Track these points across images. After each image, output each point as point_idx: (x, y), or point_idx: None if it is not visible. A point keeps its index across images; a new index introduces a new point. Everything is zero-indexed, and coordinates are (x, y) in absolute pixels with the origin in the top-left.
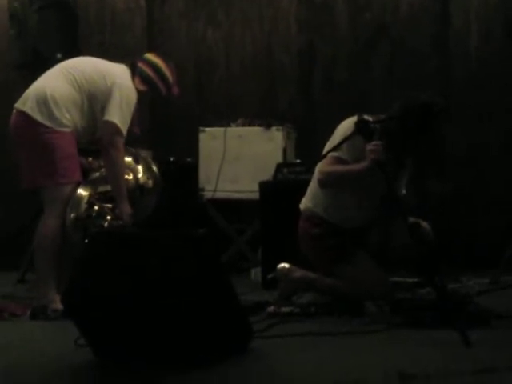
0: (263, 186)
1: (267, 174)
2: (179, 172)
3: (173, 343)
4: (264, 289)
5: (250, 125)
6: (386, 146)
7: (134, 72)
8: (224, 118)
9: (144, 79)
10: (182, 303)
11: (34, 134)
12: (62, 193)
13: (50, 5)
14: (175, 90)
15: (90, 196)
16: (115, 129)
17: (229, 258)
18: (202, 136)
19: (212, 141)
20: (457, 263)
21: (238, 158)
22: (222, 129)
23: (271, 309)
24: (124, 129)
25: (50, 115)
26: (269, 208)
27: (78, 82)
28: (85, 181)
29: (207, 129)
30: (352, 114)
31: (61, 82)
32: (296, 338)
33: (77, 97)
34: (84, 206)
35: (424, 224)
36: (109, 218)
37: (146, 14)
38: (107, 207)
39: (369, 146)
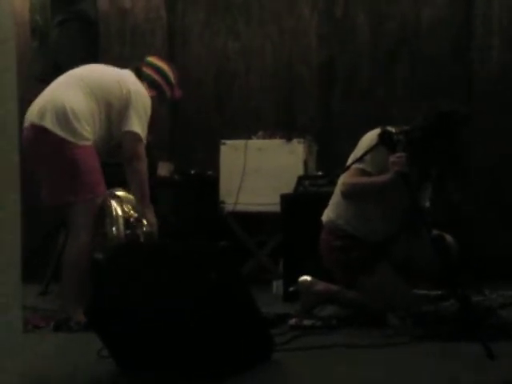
0: (284, 198)
1: (288, 187)
2: (200, 185)
3: (194, 355)
4: (285, 301)
5: (270, 137)
6: (409, 158)
7: (141, 77)
8: (245, 131)
9: (151, 84)
10: (202, 315)
11: (56, 150)
12: (90, 208)
13: (72, 18)
14: (178, 93)
15: (123, 213)
16: (138, 138)
17: (250, 271)
18: (222, 149)
19: (233, 153)
20: (480, 276)
21: (259, 171)
22: (243, 141)
23: (293, 321)
24: (144, 137)
25: (72, 130)
26: (290, 221)
27: (95, 91)
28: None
29: (228, 141)
30: (373, 127)
31: (78, 94)
32: (318, 351)
33: (94, 107)
34: (121, 220)
35: (448, 237)
36: (144, 229)
37: (166, 26)
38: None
39: (392, 158)
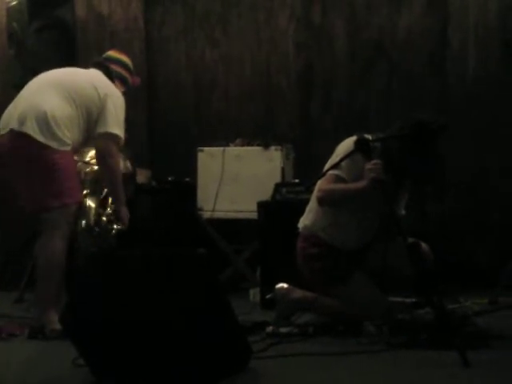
0: (262, 205)
1: (266, 194)
2: (178, 191)
3: (170, 363)
4: (263, 309)
5: (248, 145)
6: (385, 166)
7: (112, 76)
8: (222, 138)
9: (122, 81)
10: (179, 323)
11: (37, 156)
12: (68, 213)
13: (49, 25)
14: (136, 80)
15: (97, 207)
16: (117, 139)
17: (227, 278)
18: (200, 156)
19: (210, 161)
20: (455, 283)
21: (237, 178)
22: (221, 149)
23: (270, 329)
24: (122, 133)
25: (53, 136)
26: (267, 228)
27: (74, 97)
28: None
29: (206, 148)
30: (350, 134)
31: (58, 100)
32: (294, 359)
33: (74, 114)
34: (93, 217)
35: (423, 245)
36: (115, 226)
37: (144, 35)
38: (110, 213)
39: (368, 165)
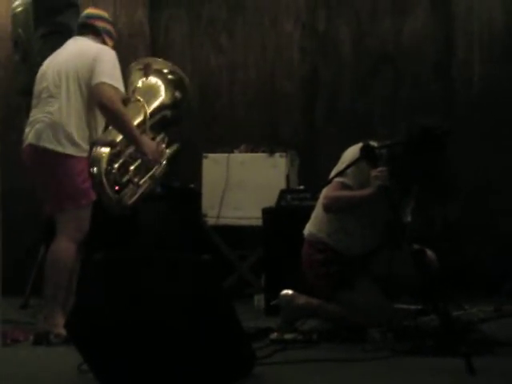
0: (266, 212)
1: (270, 201)
2: (182, 198)
3: (175, 369)
4: (267, 315)
5: (253, 151)
6: (391, 172)
7: (100, 33)
8: (227, 145)
9: (110, 36)
10: (184, 329)
11: (55, 164)
12: (82, 214)
13: (54, 31)
14: (116, 33)
15: (109, 154)
16: (108, 87)
17: (232, 285)
18: (205, 162)
19: (215, 167)
20: (460, 290)
21: (241, 185)
22: (225, 155)
23: (274, 335)
24: (118, 84)
25: (72, 143)
26: (272, 234)
27: (77, 91)
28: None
29: (210, 155)
30: (355, 141)
31: (70, 105)
32: (299, 365)
33: (86, 113)
34: (104, 165)
35: (428, 251)
36: (132, 168)
37: (149, 40)
38: (129, 155)
39: (374, 172)
